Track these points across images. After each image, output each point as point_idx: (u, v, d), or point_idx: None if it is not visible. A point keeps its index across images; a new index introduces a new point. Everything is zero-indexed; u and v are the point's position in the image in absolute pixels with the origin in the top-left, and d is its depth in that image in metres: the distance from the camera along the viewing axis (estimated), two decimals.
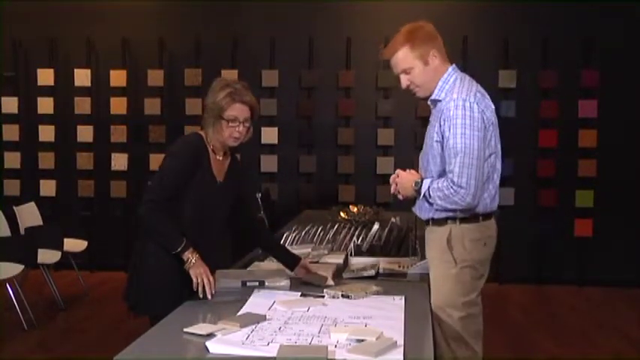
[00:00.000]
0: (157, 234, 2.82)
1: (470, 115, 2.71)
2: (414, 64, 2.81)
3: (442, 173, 2.80)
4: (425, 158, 2.91)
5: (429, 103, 2.94)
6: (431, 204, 2.83)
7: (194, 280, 2.75)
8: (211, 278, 2.77)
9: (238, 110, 2.85)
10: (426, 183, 2.81)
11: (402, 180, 2.91)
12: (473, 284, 2.85)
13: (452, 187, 2.72)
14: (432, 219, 2.87)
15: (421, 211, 2.92)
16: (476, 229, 2.83)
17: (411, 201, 2.99)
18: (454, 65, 2.89)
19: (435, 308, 2.84)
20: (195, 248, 2.80)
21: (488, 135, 2.79)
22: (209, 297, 2.74)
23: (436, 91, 2.85)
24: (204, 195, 2.89)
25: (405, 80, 2.86)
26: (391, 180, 2.97)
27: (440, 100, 2.83)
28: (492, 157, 2.84)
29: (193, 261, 2.76)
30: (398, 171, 2.96)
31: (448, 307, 2.82)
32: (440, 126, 2.77)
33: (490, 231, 2.90)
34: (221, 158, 2.97)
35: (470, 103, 2.73)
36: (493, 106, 2.86)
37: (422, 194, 2.82)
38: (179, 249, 2.77)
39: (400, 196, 2.95)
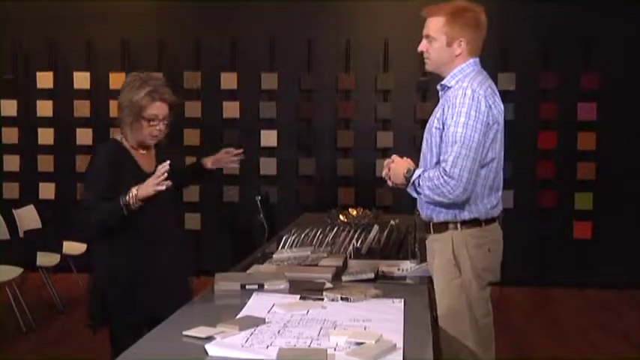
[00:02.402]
0: (101, 218, 2.80)
1: (476, 106, 2.64)
2: (439, 38, 2.76)
3: (437, 164, 2.71)
4: (424, 149, 2.83)
5: (438, 87, 2.87)
6: (419, 193, 2.73)
7: (155, 190, 2.71)
8: (159, 174, 2.73)
9: (158, 109, 2.89)
10: (418, 171, 2.71)
11: (396, 165, 2.81)
12: (479, 294, 2.78)
13: (442, 177, 2.61)
14: (432, 222, 2.80)
15: (421, 206, 2.84)
16: (478, 233, 2.74)
17: (410, 202, 2.94)
18: (477, 59, 2.83)
19: (440, 319, 2.78)
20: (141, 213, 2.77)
21: (492, 134, 2.69)
22: (169, 183, 2.73)
23: (448, 77, 2.79)
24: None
25: (423, 45, 2.81)
26: (385, 164, 2.87)
27: (450, 87, 2.76)
28: (495, 163, 2.73)
29: (135, 190, 2.73)
30: (394, 156, 2.85)
31: (454, 317, 2.76)
32: (443, 113, 2.69)
33: (494, 235, 2.80)
34: (145, 152, 2.98)
35: (479, 95, 2.66)
36: (502, 107, 2.78)
37: (411, 182, 2.72)
38: (122, 203, 2.73)
39: (390, 182, 2.85)
